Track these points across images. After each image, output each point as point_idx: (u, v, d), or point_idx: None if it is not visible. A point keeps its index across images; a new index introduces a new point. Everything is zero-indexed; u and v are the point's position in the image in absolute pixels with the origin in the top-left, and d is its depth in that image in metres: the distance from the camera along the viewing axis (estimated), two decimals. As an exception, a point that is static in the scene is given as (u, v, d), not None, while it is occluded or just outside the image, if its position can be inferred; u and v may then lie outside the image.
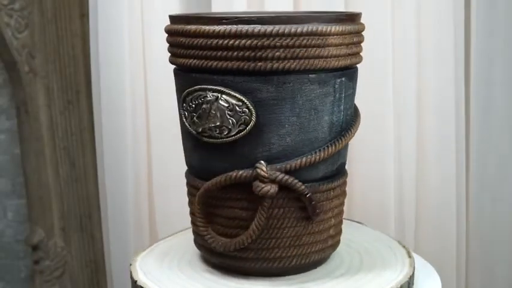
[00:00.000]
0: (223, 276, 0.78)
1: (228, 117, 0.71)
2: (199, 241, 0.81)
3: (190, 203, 0.82)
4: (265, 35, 0.68)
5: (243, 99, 0.70)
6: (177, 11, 1.16)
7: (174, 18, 0.77)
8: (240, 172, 0.72)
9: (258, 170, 0.71)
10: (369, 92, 1.07)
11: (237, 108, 0.71)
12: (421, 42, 1.13)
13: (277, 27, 0.68)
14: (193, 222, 0.80)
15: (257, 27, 0.68)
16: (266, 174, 0.71)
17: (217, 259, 0.79)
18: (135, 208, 1.21)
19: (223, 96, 0.71)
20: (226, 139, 0.72)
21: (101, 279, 1.45)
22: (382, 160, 1.12)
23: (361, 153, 1.13)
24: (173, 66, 0.80)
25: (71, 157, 1.40)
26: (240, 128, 0.72)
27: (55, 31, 1.34)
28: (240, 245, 0.74)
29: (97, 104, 1.22)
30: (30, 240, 1.41)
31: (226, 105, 0.71)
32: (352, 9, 1.13)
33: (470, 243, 1.21)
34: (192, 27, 0.71)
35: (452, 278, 1.17)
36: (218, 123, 0.72)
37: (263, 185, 0.71)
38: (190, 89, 0.73)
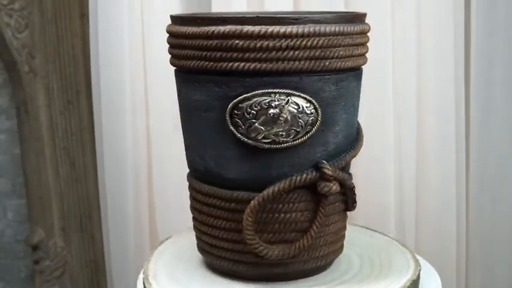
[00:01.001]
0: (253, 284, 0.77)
1: (298, 119, 0.70)
2: (235, 256, 0.76)
3: (226, 221, 0.76)
4: (331, 34, 0.70)
5: (312, 99, 0.70)
6: (177, 11, 1.16)
7: (217, 20, 0.70)
8: (304, 175, 0.72)
9: (324, 170, 0.72)
10: (369, 92, 1.07)
11: (306, 109, 0.70)
12: (421, 42, 1.13)
13: (341, 26, 0.70)
14: (226, 239, 0.76)
15: (328, 27, 0.69)
16: (332, 173, 0.72)
17: (257, 270, 0.76)
18: (135, 208, 1.21)
19: (293, 98, 0.70)
20: (293, 142, 0.71)
21: (101, 279, 1.45)
22: (382, 160, 1.12)
23: (361, 153, 1.12)
24: (169, 67, 0.80)
25: (71, 157, 1.40)
26: (307, 130, 0.71)
27: (55, 31, 1.34)
28: (300, 249, 0.74)
29: (97, 104, 1.22)
30: (30, 240, 1.41)
31: (296, 107, 0.70)
32: (352, 9, 1.13)
33: (470, 243, 1.21)
34: (257, 29, 0.68)
35: (452, 278, 1.17)
36: (287, 127, 0.70)
37: (331, 184, 0.72)
38: (247, 95, 0.70)
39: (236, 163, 0.73)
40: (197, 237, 0.82)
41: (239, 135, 0.71)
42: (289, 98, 0.70)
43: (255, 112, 0.70)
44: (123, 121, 1.17)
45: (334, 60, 0.70)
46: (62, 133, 1.39)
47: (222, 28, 0.69)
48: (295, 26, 0.68)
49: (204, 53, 0.71)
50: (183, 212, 1.21)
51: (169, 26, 0.78)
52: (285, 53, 0.68)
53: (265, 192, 0.72)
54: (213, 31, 0.69)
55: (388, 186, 1.13)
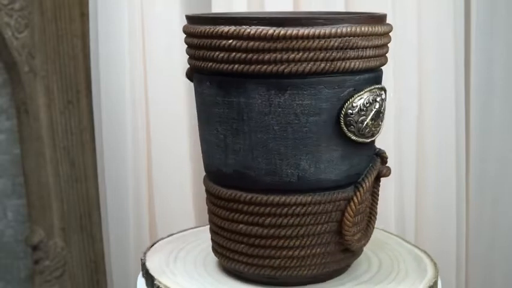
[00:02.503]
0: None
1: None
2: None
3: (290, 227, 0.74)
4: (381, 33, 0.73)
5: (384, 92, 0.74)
6: (177, 11, 1.16)
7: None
8: (377, 163, 0.77)
9: (384, 155, 0.79)
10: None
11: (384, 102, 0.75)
12: (421, 42, 1.13)
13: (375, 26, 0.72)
14: (271, 246, 0.74)
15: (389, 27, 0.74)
16: (387, 156, 0.80)
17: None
18: (135, 208, 1.20)
19: (383, 92, 0.74)
20: (378, 134, 0.75)
21: (101, 279, 1.45)
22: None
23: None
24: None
25: (71, 157, 1.40)
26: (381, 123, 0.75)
27: (55, 31, 1.34)
28: (371, 234, 0.80)
29: (97, 104, 1.22)
30: (30, 240, 1.41)
31: (383, 100, 0.74)
32: (352, 9, 1.13)
33: (470, 243, 1.21)
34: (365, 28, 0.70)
35: (452, 278, 1.17)
36: (382, 119, 0.74)
37: (389, 167, 0.79)
38: (360, 93, 0.71)
39: (338, 163, 0.73)
40: (221, 246, 0.79)
41: (350, 133, 0.71)
42: (382, 92, 0.73)
43: (365, 109, 0.71)
44: (123, 121, 1.17)
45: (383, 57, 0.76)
46: (62, 133, 1.39)
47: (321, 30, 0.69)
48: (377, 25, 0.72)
49: (321, 54, 0.69)
50: (183, 211, 1.22)
51: (243, 30, 0.70)
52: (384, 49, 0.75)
53: (364, 185, 0.75)
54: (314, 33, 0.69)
55: (388, 186, 1.13)
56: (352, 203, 0.74)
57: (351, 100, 0.71)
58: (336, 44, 0.68)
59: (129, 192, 1.19)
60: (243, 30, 0.68)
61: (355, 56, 0.70)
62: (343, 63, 0.69)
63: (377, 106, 0.72)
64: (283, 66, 0.68)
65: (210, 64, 0.71)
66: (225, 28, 0.69)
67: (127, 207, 1.20)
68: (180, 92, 1.19)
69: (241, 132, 0.72)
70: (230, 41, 0.69)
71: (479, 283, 1.22)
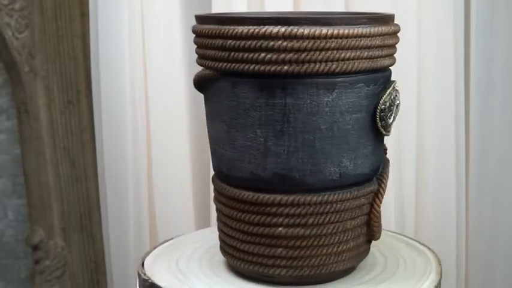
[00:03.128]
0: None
1: None
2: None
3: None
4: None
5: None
6: (177, 11, 1.16)
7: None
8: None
9: (385, 148, 0.82)
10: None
11: None
12: (421, 42, 1.13)
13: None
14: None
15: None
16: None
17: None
18: (135, 208, 1.21)
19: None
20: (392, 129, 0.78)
21: (101, 279, 1.45)
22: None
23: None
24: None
25: (71, 157, 1.40)
26: None
27: (55, 31, 1.34)
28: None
29: (97, 104, 1.22)
30: (30, 240, 1.41)
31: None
32: (352, 9, 1.13)
33: (470, 243, 1.21)
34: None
35: (452, 278, 1.17)
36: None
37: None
38: (390, 89, 0.75)
39: (370, 158, 0.75)
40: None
41: (381, 128, 0.74)
42: (397, 89, 0.77)
43: (392, 103, 0.75)
44: (123, 121, 1.17)
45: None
46: (62, 133, 1.39)
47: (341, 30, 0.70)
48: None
49: (365, 53, 0.71)
50: (183, 211, 1.22)
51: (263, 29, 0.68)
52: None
53: (386, 176, 0.78)
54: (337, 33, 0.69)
55: (388, 186, 1.12)
56: (379, 195, 0.76)
57: (384, 96, 0.73)
58: (377, 42, 0.71)
59: (129, 192, 1.19)
60: (295, 30, 0.67)
61: (387, 54, 0.74)
62: (380, 61, 0.73)
63: (397, 101, 0.76)
64: (334, 65, 0.69)
65: (253, 66, 0.69)
66: (274, 28, 0.67)
67: (127, 207, 1.20)
68: (180, 92, 1.19)
69: (286, 134, 0.71)
70: (280, 42, 0.67)
71: (479, 283, 1.22)
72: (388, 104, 0.74)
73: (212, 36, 0.71)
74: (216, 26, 0.71)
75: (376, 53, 0.72)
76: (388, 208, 1.13)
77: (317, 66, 0.68)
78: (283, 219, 0.72)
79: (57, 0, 1.33)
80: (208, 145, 1.15)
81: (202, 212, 1.24)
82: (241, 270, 0.78)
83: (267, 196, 0.72)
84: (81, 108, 1.39)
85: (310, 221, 0.72)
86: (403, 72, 1.13)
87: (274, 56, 0.68)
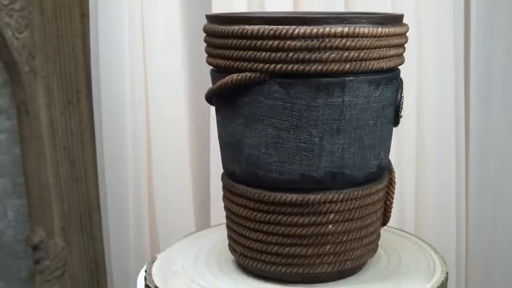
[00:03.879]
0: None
1: None
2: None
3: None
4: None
5: None
6: (177, 11, 1.16)
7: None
8: None
9: None
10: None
11: None
12: (421, 42, 1.13)
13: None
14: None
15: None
16: None
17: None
18: (135, 208, 1.21)
19: None
20: None
21: (101, 279, 1.45)
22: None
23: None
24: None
25: (71, 157, 1.40)
26: None
27: (55, 31, 1.34)
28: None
29: (97, 104, 1.22)
30: (30, 240, 1.41)
31: None
32: (352, 9, 1.13)
33: (470, 243, 1.21)
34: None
35: (452, 277, 1.17)
36: None
37: None
38: (402, 85, 0.79)
39: (390, 149, 0.81)
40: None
41: (399, 120, 0.79)
42: None
43: (402, 98, 0.79)
44: (123, 121, 1.17)
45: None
46: (62, 133, 1.39)
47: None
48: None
49: (401, 49, 0.76)
50: (183, 211, 1.22)
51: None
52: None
53: (392, 166, 0.83)
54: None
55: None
56: (393, 183, 0.82)
57: (400, 91, 0.77)
58: (405, 40, 0.77)
59: (129, 192, 1.19)
60: (357, 29, 0.69)
61: (404, 51, 0.78)
62: (403, 57, 0.78)
63: (404, 95, 0.80)
64: (383, 63, 0.72)
65: (315, 66, 0.68)
66: (338, 28, 0.68)
67: (127, 207, 1.20)
68: (180, 92, 1.19)
69: (341, 131, 0.72)
70: (344, 41, 0.68)
71: (479, 283, 1.22)
72: (402, 99, 0.78)
73: (262, 37, 0.69)
74: (269, 27, 0.69)
75: (402, 50, 0.77)
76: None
77: (371, 63, 0.71)
78: (333, 216, 0.74)
79: (57, 0, 1.33)
80: (209, 145, 1.16)
81: (202, 211, 1.24)
82: (279, 276, 0.77)
83: (318, 196, 0.73)
84: (81, 108, 1.39)
85: (356, 214, 0.75)
86: (403, 72, 1.12)
87: (338, 55, 0.69)
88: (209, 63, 0.78)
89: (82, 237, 1.44)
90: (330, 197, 0.73)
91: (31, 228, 1.42)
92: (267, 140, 0.72)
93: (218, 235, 0.90)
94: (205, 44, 0.78)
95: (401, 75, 1.13)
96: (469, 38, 1.15)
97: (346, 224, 0.74)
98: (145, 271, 0.82)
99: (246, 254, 0.78)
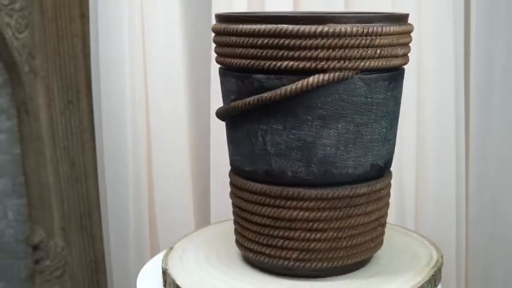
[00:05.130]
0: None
1: None
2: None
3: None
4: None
5: None
6: (177, 11, 1.16)
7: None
8: None
9: None
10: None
11: None
12: (421, 42, 1.13)
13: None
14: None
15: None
16: None
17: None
18: (135, 208, 1.21)
19: None
20: None
21: (101, 279, 1.45)
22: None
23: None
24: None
25: (71, 157, 1.40)
26: None
27: (55, 31, 1.34)
28: None
29: (97, 104, 1.22)
30: (30, 240, 1.41)
31: None
32: (352, 9, 1.13)
33: (470, 243, 1.21)
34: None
35: (453, 277, 1.17)
36: None
37: None
38: None
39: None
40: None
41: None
42: None
43: None
44: (123, 121, 1.17)
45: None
46: (62, 133, 1.39)
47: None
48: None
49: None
50: (183, 211, 1.22)
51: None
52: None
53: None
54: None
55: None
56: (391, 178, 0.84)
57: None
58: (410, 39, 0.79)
59: (129, 192, 1.19)
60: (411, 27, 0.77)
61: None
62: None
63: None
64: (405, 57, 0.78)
65: (391, 61, 0.74)
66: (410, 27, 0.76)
67: (127, 207, 1.20)
68: (180, 92, 1.19)
69: (395, 121, 0.79)
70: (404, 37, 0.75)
71: (480, 282, 1.22)
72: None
73: (356, 35, 0.70)
74: (361, 25, 0.70)
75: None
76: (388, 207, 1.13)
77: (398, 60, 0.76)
78: (364, 207, 0.76)
79: (57, 1, 1.33)
80: (209, 145, 1.15)
81: (203, 211, 1.24)
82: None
83: (379, 183, 0.78)
84: (81, 108, 1.39)
85: (375, 205, 0.78)
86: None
87: (402, 50, 0.75)
88: (249, 66, 0.73)
89: (82, 237, 1.44)
90: (386, 182, 0.80)
91: (31, 228, 1.42)
92: (347, 136, 0.73)
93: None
94: (238, 46, 0.74)
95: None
96: (469, 38, 1.15)
97: (369, 215, 0.77)
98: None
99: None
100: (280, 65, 0.70)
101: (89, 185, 1.42)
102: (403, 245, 0.88)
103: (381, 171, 0.78)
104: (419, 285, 0.76)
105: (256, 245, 0.78)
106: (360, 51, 0.70)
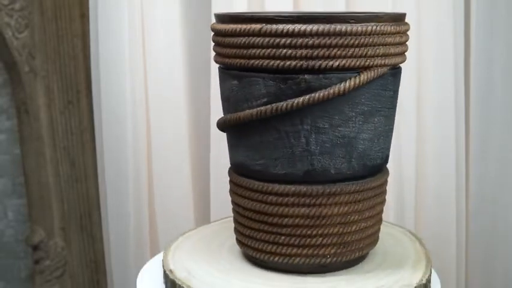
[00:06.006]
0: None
1: None
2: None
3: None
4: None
5: None
6: (177, 11, 1.16)
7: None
8: None
9: None
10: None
11: None
12: (421, 42, 1.13)
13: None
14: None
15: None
16: None
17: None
18: (135, 208, 1.21)
19: None
20: None
21: (101, 279, 1.45)
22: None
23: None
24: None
25: (71, 157, 1.40)
26: None
27: (55, 31, 1.34)
28: None
29: (97, 104, 1.22)
30: (30, 240, 1.41)
31: None
32: (353, 9, 1.13)
33: (470, 243, 1.21)
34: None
35: (452, 278, 1.17)
36: None
37: None
38: None
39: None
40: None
41: None
42: None
43: None
44: (123, 121, 1.17)
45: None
46: (62, 133, 1.39)
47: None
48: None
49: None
50: (183, 211, 1.22)
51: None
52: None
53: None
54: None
55: (388, 186, 1.12)
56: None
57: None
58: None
59: (129, 192, 1.19)
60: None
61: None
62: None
63: None
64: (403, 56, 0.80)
65: (404, 56, 0.78)
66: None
67: (127, 207, 1.20)
68: (180, 92, 1.19)
69: (393, 116, 0.81)
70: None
71: (480, 283, 1.22)
72: None
73: (391, 32, 0.74)
74: (394, 23, 0.74)
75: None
76: (388, 208, 1.13)
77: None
78: (363, 203, 0.78)
79: (57, 1, 1.33)
80: (209, 145, 1.15)
81: (203, 211, 1.24)
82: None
83: (387, 173, 0.82)
84: (81, 108, 1.39)
85: (371, 202, 0.79)
86: (403, 72, 1.12)
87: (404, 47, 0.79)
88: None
89: (82, 237, 1.44)
90: (387, 176, 0.82)
91: (31, 228, 1.42)
92: (380, 130, 0.77)
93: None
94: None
95: (402, 75, 1.14)
96: (469, 38, 1.15)
97: (382, 204, 0.80)
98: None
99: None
100: (332, 64, 0.71)
101: (89, 185, 1.42)
102: (386, 234, 0.90)
103: (386, 161, 0.82)
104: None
105: (286, 247, 0.77)
106: (393, 48, 0.75)
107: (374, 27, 0.71)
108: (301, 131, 0.73)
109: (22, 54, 1.31)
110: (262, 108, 0.73)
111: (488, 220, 1.20)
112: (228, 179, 0.83)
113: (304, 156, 0.74)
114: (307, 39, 0.70)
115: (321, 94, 0.71)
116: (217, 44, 0.78)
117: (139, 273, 0.87)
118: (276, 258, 0.77)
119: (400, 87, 0.81)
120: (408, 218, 1.17)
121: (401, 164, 1.15)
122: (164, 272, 0.80)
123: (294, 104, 0.71)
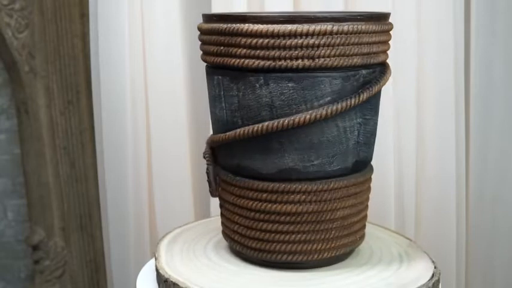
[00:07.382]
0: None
1: None
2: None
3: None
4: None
5: None
6: (177, 11, 1.16)
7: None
8: None
9: None
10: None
11: None
12: (422, 42, 1.13)
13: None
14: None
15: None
16: None
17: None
18: (135, 208, 1.21)
19: None
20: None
21: (101, 279, 1.45)
22: (382, 159, 1.12)
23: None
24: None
25: (71, 157, 1.40)
26: None
27: (55, 31, 1.34)
28: None
29: (97, 104, 1.22)
30: (30, 240, 1.41)
31: None
32: (352, 9, 1.13)
33: (470, 244, 1.21)
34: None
35: (452, 278, 1.17)
36: None
37: None
38: None
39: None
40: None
41: None
42: None
43: None
44: (123, 121, 1.17)
45: None
46: (62, 133, 1.39)
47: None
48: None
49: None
50: (183, 211, 1.22)
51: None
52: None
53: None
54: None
55: (388, 185, 1.13)
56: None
57: None
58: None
59: (129, 192, 1.19)
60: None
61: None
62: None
63: None
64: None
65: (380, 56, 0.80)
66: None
67: (127, 207, 1.20)
68: (180, 92, 1.19)
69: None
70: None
71: (479, 283, 1.22)
72: None
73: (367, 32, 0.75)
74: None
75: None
76: (388, 208, 1.13)
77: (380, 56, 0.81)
78: (344, 200, 0.80)
79: (57, 1, 1.33)
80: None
81: (202, 211, 1.24)
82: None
83: (370, 172, 0.85)
84: (81, 108, 1.39)
85: (357, 199, 0.81)
86: (403, 71, 1.13)
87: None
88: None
89: (82, 237, 1.44)
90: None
91: (31, 228, 1.42)
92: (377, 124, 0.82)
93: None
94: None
95: (402, 75, 1.15)
96: (469, 38, 1.15)
97: (352, 207, 0.81)
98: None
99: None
100: (385, 58, 0.78)
101: (89, 185, 1.42)
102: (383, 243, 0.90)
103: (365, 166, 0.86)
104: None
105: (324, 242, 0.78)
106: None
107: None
108: (355, 125, 0.76)
109: (22, 54, 1.31)
110: (329, 106, 0.73)
111: (489, 219, 1.20)
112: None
113: (354, 149, 0.77)
114: (378, 36, 0.76)
115: (378, 87, 0.76)
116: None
117: (139, 273, 0.87)
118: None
119: (400, 88, 0.82)
120: (408, 217, 1.17)
121: (402, 164, 1.15)
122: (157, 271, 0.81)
123: (359, 99, 0.74)
